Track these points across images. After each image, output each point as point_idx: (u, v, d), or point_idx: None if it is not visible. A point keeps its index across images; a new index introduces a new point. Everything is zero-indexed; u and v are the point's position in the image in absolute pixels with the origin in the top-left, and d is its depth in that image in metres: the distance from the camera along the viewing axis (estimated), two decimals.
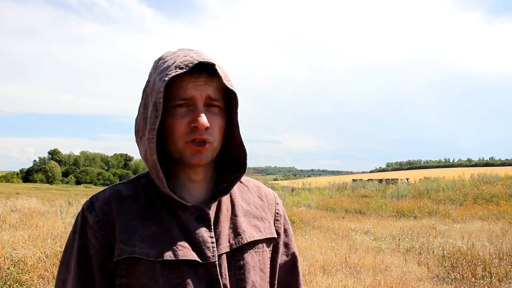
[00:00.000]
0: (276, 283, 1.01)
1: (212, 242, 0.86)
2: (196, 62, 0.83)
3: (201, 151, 0.85)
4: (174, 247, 0.83)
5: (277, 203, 1.05)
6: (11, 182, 71.75)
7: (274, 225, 1.01)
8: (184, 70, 0.82)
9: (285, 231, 1.06)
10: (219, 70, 0.85)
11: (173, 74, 0.82)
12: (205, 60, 0.84)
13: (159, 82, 0.83)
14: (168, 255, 0.82)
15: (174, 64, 0.83)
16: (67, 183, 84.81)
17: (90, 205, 0.89)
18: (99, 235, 0.86)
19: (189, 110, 0.85)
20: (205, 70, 0.85)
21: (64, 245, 0.91)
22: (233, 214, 0.94)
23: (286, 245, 1.05)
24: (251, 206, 0.98)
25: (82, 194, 25.91)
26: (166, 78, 0.81)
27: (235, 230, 0.91)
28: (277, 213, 1.04)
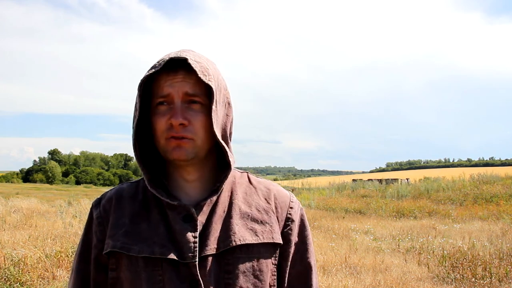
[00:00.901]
0: None
1: (195, 242, 0.84)
2: (168, 59, 0.83)
3: (180, 146, 0.85)
4: (155, 245, 0.85)
5: (291, 207, 0.98)
6: (11, 182, 71.75)
7: (283, 230, 0.95)
8: (157, 68, 0.84)
9: (300, 238, 0.98)
10: (194, 65, 0.83)
11: (147, 74, 0.84)
12: (178, 56, 0.84)
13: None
14: (148, 252, 0.84)
15: (152, 65, 0.86)
16: (67, 183, 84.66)
17: (97, 202, 0.96)
18: (98, 230, 0.92)
19: (170, 108, 0.86)
20: (184, 67, 0.85)
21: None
22: (228, 216, 0.90)
23: (300, 253, 0.97)
24: (252, 208, 0.93)
25: (82, 194, 25.92)
26: (142, 79, 0.84)
27: (226, 232, 0.88)
28: (288, 218, 0.96)
